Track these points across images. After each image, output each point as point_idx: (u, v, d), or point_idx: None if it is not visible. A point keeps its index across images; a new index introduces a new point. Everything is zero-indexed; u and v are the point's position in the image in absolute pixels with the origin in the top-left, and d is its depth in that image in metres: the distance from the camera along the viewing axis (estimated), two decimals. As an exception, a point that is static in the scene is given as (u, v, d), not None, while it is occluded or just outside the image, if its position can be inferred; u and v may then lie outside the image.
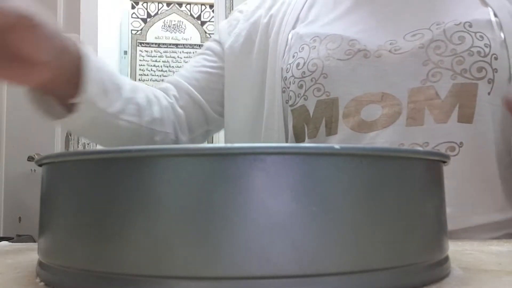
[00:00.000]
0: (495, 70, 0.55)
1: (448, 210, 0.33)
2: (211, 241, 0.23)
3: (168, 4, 3.04)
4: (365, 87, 0.59)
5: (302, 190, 0.24)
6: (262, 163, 0.23)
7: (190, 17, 3.04)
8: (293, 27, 0.68)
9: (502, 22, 0.57)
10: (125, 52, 2.96)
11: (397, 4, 0.63)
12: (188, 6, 3.05)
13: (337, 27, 0.64)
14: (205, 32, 3.03)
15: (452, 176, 0.50)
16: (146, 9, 3.01)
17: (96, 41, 1.74)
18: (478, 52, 0.55)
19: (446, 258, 0.30)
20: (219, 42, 0.75)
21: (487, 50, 0.55)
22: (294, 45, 0.65)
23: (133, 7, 2.99)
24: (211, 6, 2.90)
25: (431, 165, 0.29)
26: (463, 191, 0.54)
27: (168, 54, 2.99)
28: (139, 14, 3.00)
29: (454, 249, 0.42)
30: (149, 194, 0.24)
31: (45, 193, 0.30)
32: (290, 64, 0.65)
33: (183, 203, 0.24)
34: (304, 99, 0.63)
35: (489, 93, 0.55)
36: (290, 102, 0.65)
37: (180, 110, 0.70)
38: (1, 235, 1.72)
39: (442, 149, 0.55)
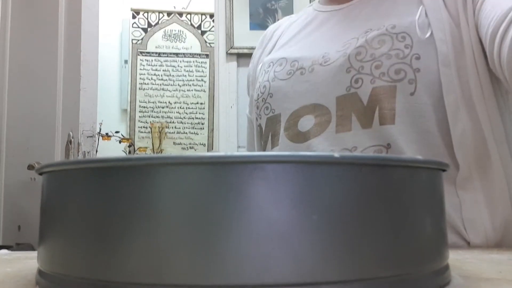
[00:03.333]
0: (416, 70, 0.55)
1: None
2: (211, 249, 0.23)
3: (169, 14, 3.05)
4: (300, 101, 0.63)
5: (302, 199, 0.24)
6: (262, 171, 0.23)
7: (191, 26, 3.06)
8: (267, 56, 0.74)
9: (431, 19, 0.56)
10: (126, 61, 2.97)
11: (343, 16, 0.66)
12: (188, 16, 3.06)
13: (285, 51, 0.70)
14: (205, 42, 3.04)
15: None
16: (147, 18, 3.03)
17: (97, 51, 1.75)
18: (397, 55, 0.56)
19: (446, 267, 0.30)
20: (251, 103, 0.79)
21: (407, 51, 0.55)
22: (260, 73, 0.72)
23: (133, 17, 3.01)
24: (211, 15, 2.92)
25: (430, 174, 0.29)
26: None
27: (168, 63, 3.00)
28: (140, 23, 3.02)
29: (455, 257, 0.41)
30: (149, 202, 0.24)
31: (46, 201, 0.30)
32: (256, 89, 0.72)
33: (183, 212, 0.24)
34: (260, 118, 0.70)
35: (412, 94, 0.55)
36: (256, 124, 0.72)
37: None
38: (1, 244, 1.71)
39: (370, 152, 0.55)
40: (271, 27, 0.82)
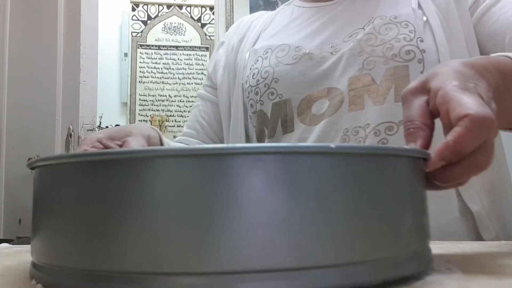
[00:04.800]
0: (422, 51, 0.61)
1: None
2: (209, 237, 0.23)
3: (169, 6, 3.04)
4: (313, 86, 0.65)
5: (299, 187, 0.25)
6: (261, 162, 0.24)
7: (191, 19, 3.05)
8: (253, 46, 0.76)
9: (424, 8, 0.64)
10: (126, 54, 2.96)
11: (334, 12, 0.71)
12: (188, 8, 3.05)
13: (285, 38, 0.72)
14: (205, 34, 3.03)
15: None
16: (147, 11, 3.02)
17: (96, 43, 1.74)
18: (404, 38, 0.62)
19: (429, 249, 0.32)
20: (210, 86, 0.82)
21: (412, 35, 0.62)
22: (250, 60, 0.73)
23: (133, 9, 3.00)
24: (211, 8, 2.90)
25: (413, 162, 0.31)
26: None
27: (168, 56, 2.99)
28: (140, 16, 3.01)
29: (454, 251, 0.42)
30: (145, 193, 0.25)
31: (38, 195, 0.31)
32: (247, 76, 0.72)
33: (179, 202, 0.24)
34: (261, 104, 0.70)
35: (421, 72, 0.60)
36: (252, 110, 0.72)
37: None
38: (1, 237, 1.72)
39: (382, 128, 0.60)
40: (246, 17, 0.84)
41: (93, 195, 0.26)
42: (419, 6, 0.65)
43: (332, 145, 0.26)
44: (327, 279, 0.25)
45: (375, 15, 0.66)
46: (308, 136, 0.64)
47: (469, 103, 0.34)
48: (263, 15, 0.82)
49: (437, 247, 0.44)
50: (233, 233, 0.23)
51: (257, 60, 0.72)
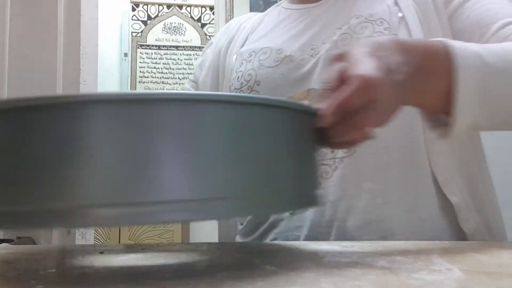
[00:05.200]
0: None
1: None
2: (123, 173, 0.27)
3: (169, 6, 3.04)
4: (294, 88, 0.66)
5: (185, 131, 0.29)
6: (161, 109, 0.28)
7: (191, 19, 3.05)
8: (240, 48, 0.76)
9: (400, 4, 0.64)
10: (126, 54, 2.96)
11: (317, 13, 0.71)
12: (188, 8, 3.05)
13: (269, 40, 0.73)
14: (205, 34, 3.03)
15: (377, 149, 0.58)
16: (147, 11, 3.01)
17: (96, 43, 1.74)
18: (379, 36, 0.62)
19: (312, 197, 0.38)
20: (194, 82, 0.83)
21: (386, 32, 0.62)
22: (237, 63, 0.74)
23: (133, 9, 3.00)
24: (212, 8, 2.90)
25: (299, 116, 0.35)
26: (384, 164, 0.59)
27: (168, 56, 2.99)
28: (140, 16, 3.00)
29: (455, 251, 0.42)
30: (76, 136, 0.27)
31: None
32: (233, 78, 0.73)
33: (100, 142, 0.27)
34: None
35: None
36: None
37: None
38: (1, 237, 1.71)
39: None
40: (236, 19, 0.85)
41: (15, 139, 0.28)
42: (396, 2, 0.65)
43: (211, 93, 0.31)
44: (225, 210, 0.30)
45: (352, 14, 0.67)
46: None
47: (363, 66, 0.38)
48: (252, 17, 0.83)
49: (437, 248, 0.44)
50: (138, 168, 0.27)
51: (242, 63, 0.73)
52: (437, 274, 0.31)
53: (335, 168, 0.60)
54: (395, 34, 0.61)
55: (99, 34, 1.76)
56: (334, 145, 0.40)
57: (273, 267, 0.34)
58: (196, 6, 3.05)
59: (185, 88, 0.84)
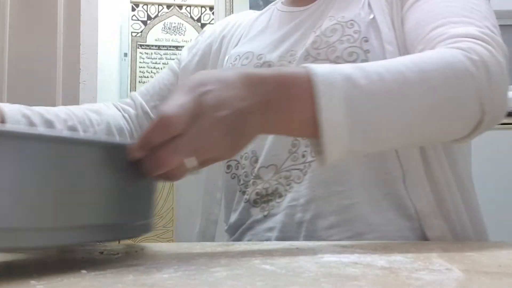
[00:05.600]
0: (366, 51, 0.60)
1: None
2: None
3: (168, 6, 3.04)
4: None
5: (27, 168, 0.32)
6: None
7: (190, 19, 3.05)
8: (233, 49, 0.76)
9: (372, 5, 0.63)
10: (125, 54, 2.96)
11: (301, 17, 0.71)
12: (188, 8, 3.05)
13: (254, 44, 0.72)
14: (205, 34, 3.03)
15: None
16: (146, 11, 3.01)
17: (96, 43, 1.74)
18: (348, 40, 0.61)
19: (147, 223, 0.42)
20: (179, 61, 0.84)
21: (356, 35, 0.61)
22: (226, 66, 0.74)
23: (133, 9, 3.00)
24: (211, 8, 2.90)
25: (108, 150, 0.37)
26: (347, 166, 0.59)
27: (168, 56, 2.99)
28: (139, 16, 3.00)
29: (454, 251, 0.42)
30: None
31: None
32: None
33: None
34: None
35: None
36: None
37: (135, 126, 0.78)
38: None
39: None
40: (234, 17, 0.84)
41: None
42: (369, 3, 0.64)
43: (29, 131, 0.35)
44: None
45: (327, 17, 0.66)
46: (265, 140, 0.64)
47: (170, 102, 0.39)
48: (248, 16, 0.82)
49: (437, 248, 0.44)
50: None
51: (228, 67, 0.73)
52: (437, 274, 0.31)
53: (305, 172, 0.61)
54: (365, 37, 0.60)
55: (99, 34, 1.76)
56: (157, 177, 0.40)
57: (273, 267, 0.34)
58: (196, 6, 3.05)
59: (171, 66, 0.84)
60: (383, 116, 0.44)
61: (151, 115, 0.79)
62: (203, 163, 0.41)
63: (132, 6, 2.99)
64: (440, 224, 0.57)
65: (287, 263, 0.36)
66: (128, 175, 0.39)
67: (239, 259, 0.39)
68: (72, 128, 0.68)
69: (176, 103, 0.39)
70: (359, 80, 0.43)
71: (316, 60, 0.62)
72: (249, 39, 0.75)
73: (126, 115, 0.78)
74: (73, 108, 0.72)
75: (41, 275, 0.33)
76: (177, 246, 0.50)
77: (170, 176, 0.40)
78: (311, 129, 0.43)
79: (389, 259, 0.37)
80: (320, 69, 0.43)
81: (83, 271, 0.34)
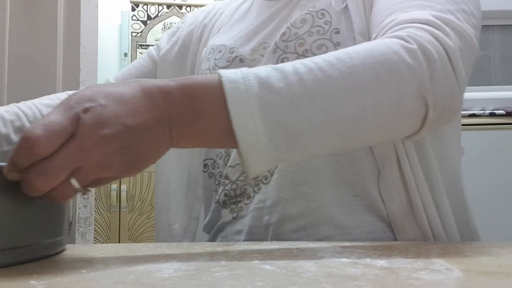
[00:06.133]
0: (337, 44, 0.57)
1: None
2: None
3: (168, 7, 3.04)
4: None
5: None
6: None
7: (190, 19, 3.05)
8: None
9: None
10: (125, 54, 2.96)
11: (277, 6, 0.67)
12: (188, 8, 3.05)
13: (226, 37, 0.69)
14: (205, 34, 3.03)
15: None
16: (146, 11, 3.01)
17: (96, 43, 1.74)
18: (318, 31, 0.58)
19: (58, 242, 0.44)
20: (158, 48, 0.80)
21: (326, 27, 0.58)
22: (204, 59, 0.71)
23: (133, 9, 3.00)
24: (211, 8, 2.90)
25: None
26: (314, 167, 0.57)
27: (168, 56, 2.99)
28: (139, 16, 3.00)
29: (454, 251, 0.42)
30: None
31: None
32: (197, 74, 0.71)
33: None
34: None
35: None
36: None
37: None
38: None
39: None
40: (218, 5, 0.80)
41: None
42: None
43: None
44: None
45: (299, 6, 0.62)
46: None
47: (38, 121, 0.36)
48: (234, 2, 0.78)
49: (437, 248, 0.44)
50: None
51: (204, 60, 0.70)
52: (437, 274, 0.31)
53: (273, 172, 0.58)
54: (336, 29, 0.57)
55: (99, 34, 1.75)
56: (41, 198, 0.37)
57: (273, 267, 0.34)
58: (196, 6, 3.05)
59: (150, 52, 0.80)
60: (307, 120, 0.40)
61: None
62: (95, 183, 0.38)
63: (132, 6, 2.99)
64: (412, 227, 0.55)
65: (287, 263, 0.36)
66: (18, 196, 0.37)
67: (239, 259, 0.39)
68: (20, 130, 0.66)
69: (46, 121, 0.35)
70: (276, 83, 0.40)
71: (284, 53, 0.59)
72: (225, 29, 0.72)
73: None
74: (25, 107, 0.69)
75: (41, 275, 0.33)
76: (177, 246, 0.50)
77: (55, 196, 0.37)
78: (230, 140, 0.39)
79: (389, 259, 0.37)
80: (232, 75, 0.40)
81: (83, 271, 0.34)
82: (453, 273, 0.31)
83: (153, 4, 3.02)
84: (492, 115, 1.54)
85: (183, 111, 0.39)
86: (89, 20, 1.70)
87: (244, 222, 0.60)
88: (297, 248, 0.46)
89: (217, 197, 0.64)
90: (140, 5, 3.01)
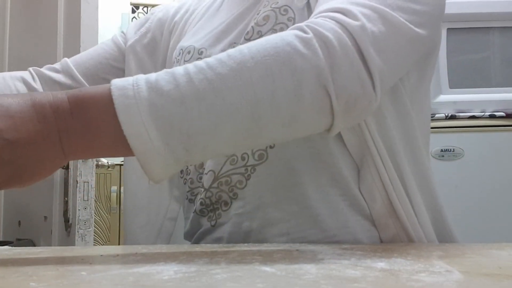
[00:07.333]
0: None
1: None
2: None
3: (168, 8, 3.04)
4: None
5: None
6: None
7: (190, 20, 3.05)
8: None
9: None
10: (125, 56, 2.96)
11: (239, 11, 0.64)
12: (188, 10, 3.05)
13: (195, 37, 0.67)
14: (205, 36, 3.03)
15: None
16: (146, 13, 3.02)
17: (96, 45, 1.74)
18: (281, 29, 0.56)
19: None
20: (125, 37, 0.77)
21: (290, 24, 0.56)
22: (174, 60, 0.68)
23: (133, 11, 3.00)
24: (211, 9, 2.90)
25: None
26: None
27: (168, 58, 2.99)
28: (139, 18, 3.01)
29: (455, 252, 0.42)
30: None
31: None
32: None
33: None
34: None
35: None
36: None
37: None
38: (1, 239, 1.71)
39: None
40: (190, 0, 0.78)
41: None
42: None
43: None
44: None
45: (264, 3, 0.60)
46: None
47: None
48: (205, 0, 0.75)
49: (437, 249, 0.44)
50: None
51: (174, 62, 0.68)
52: (437, 276, 0.31)
53: (248, 176, 0.56)
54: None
55: (99, 36, 1.75)
56: None
57: (273, 269, 0.34)
58: (196, 7, 3.05)
59: (115, 38, 0.78)
60: (199, 121, 0.40)
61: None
62: None
63: (133, 8, 2.99)
64: (394, 224, 0.55)
65: (287, 265, 0.36)
66: None
67: (239, 261, 0.39)
68: None
69: None
70: (165, 86, 0.39)
71: None
72: (195, 29, 0.69)
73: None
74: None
75: (40, 277, 0.33)
76: (177, 248, 0.50)
77: None
78: (125, 149, 0.39)
79: (389, 261, 0.37)
80: (123, 82, 0.40)
81: (83, 273, 0.34)
82: (453, 275, 0.31)
83: (153, 5, 3.02)
84: (492, 117, 1.54)
85: (74, 124, 0.39)
86: (89, 22, 1.70)
87: (224, 229, 0.58)
88: (297, 250, 0.45)
89: (194, 206, 0.62)
90: (140, 7, 3.01)
